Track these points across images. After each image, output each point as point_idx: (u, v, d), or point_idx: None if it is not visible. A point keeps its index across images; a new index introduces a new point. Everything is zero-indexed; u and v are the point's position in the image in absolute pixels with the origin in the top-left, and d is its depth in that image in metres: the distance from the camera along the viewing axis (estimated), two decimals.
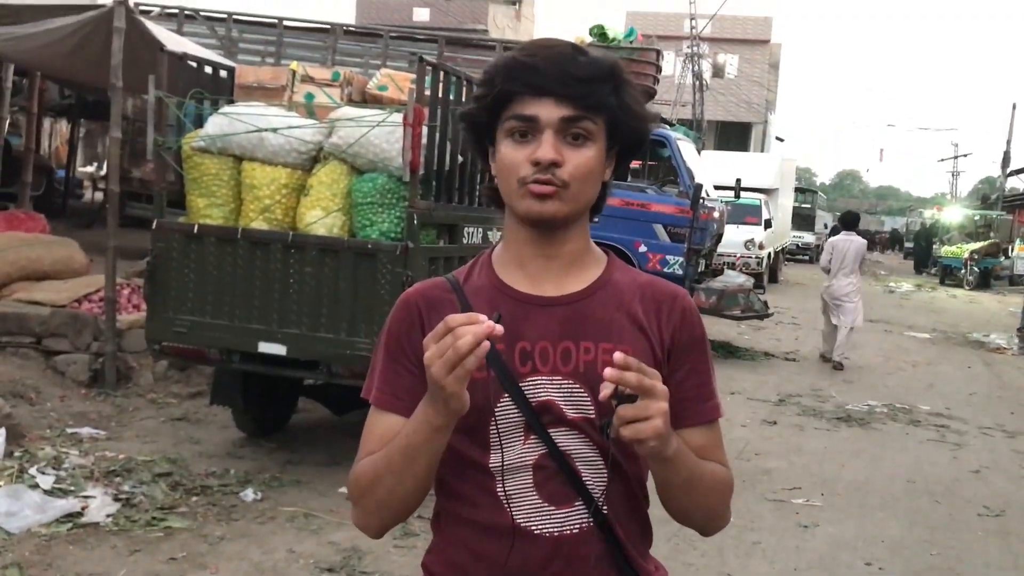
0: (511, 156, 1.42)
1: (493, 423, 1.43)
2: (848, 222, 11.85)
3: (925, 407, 9.29)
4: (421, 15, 33.78)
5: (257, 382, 5.99)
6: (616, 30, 12.06)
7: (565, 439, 1.43)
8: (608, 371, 1.23)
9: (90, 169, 24.71)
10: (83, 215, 15.79)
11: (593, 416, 1.42)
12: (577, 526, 1.43)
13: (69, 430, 5.98)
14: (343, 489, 5.43)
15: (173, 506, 4.94)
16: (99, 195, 20.28)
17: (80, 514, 4.65)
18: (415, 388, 1.40)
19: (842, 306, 11.15)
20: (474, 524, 1.46)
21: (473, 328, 1.22)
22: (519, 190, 1.41)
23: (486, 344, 1.22)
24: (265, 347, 5.28)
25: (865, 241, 11.80)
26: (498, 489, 1.43)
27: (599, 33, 11.78)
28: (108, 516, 4.69)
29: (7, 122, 11.32)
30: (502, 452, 1.43)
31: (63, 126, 21.20)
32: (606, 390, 1.25)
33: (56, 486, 4.90)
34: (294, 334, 5.24)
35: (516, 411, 1.42)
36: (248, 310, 5.30)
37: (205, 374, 7.15)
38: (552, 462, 1.42)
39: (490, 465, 1.44)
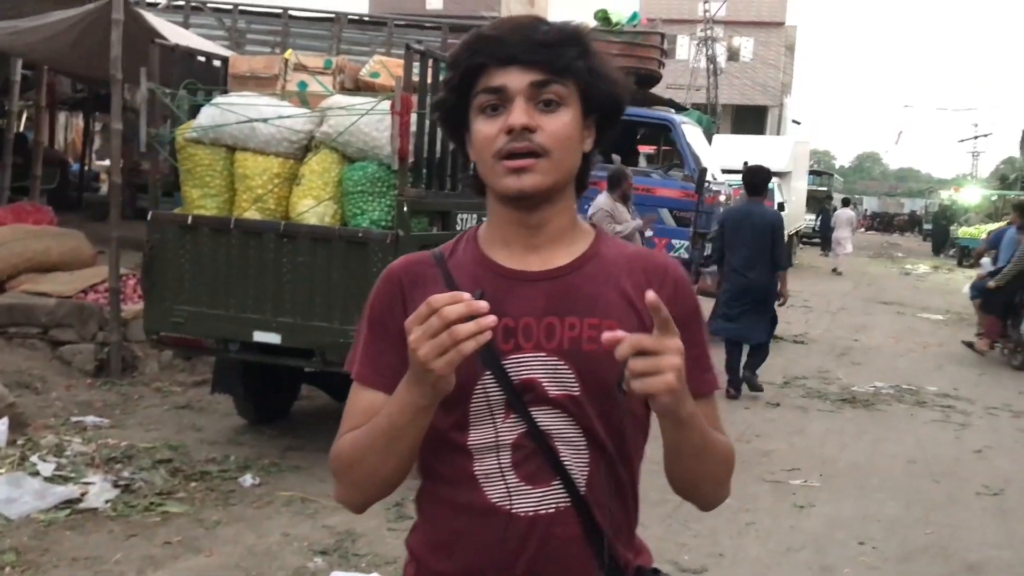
0: (484, 131, 1.39)
1: (472, 401, 1.40)
2: (845, 204, 24.68)
3: (932, 388, 9.25)
4: (434, 3, 33.71)
5: (257, 370, 6.05)
6: (620, 14, 12.02)
7: (546, 418, 1.40)
8: (621, 332, 1.22)
9: (106, 162, 24.87)
10: (98, 208, 15.90)
11: (577, 393, 1.39)
12: (553, 506, 1.40)
13: (73, 419, 6.07)
14: None
15: (172, 491, 5.01)
16: None
17: (79, 500, 4.73)
18: (397, 365, 1.37)
19: (840, 244, 22.77)
20: (453, 504, 1.44)
21: (474, 318, 1.20)
22: (496, 165, 1.38)
23: (488, 334, 1.21)
24: (260, 336, 5.33)
25: (853, 213, 25.22)
26: (475, 468, 1.41)
27: (603, 17, 11.75)
28: (107, 502, 4.76)
29: (15, 115, 11.42)
30: (480, 431, 1.41)
31: (78, 120, 21.35)
32: (623, 348, 1.22)
33: (57, 473, 4.98)
34: (288, 323, 5.29)
35: (497, 389, 1.39)
36: (243, 299, 5.36)
37: (209, 363, 7.21)
38: (531, 442, 1.40)
39: (468, 444, 1.41)
